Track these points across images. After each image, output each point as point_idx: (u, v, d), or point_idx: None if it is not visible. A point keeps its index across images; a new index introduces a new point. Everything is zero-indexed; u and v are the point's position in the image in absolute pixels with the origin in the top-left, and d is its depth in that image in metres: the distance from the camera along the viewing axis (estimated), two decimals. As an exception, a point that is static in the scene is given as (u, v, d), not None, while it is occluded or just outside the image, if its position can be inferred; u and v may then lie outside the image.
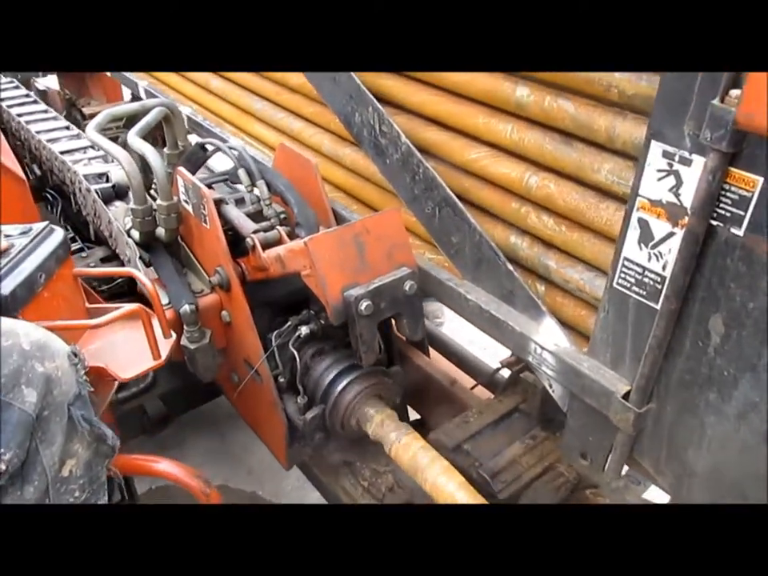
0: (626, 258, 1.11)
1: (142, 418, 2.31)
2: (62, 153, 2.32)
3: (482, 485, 1.52)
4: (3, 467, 0.96)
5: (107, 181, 2.15)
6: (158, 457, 1.47)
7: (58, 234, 1.34)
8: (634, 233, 1.08)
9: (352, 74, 1.58)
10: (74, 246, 2.29)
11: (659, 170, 1.01)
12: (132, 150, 1.74)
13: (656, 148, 1.00)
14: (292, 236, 1.65)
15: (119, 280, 2.05)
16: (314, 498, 2.16)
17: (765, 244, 0.91)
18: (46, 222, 1.34)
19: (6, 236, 1.28)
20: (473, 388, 2.00)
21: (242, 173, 1.73)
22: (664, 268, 1.06)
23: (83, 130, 2.06)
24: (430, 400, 2.03)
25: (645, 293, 1.10)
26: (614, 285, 1.15)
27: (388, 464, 1.76)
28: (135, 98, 3.09)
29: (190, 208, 1.69)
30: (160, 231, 1.76)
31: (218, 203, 1.65)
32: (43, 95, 3.77)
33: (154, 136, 2.34)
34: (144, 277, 1.40)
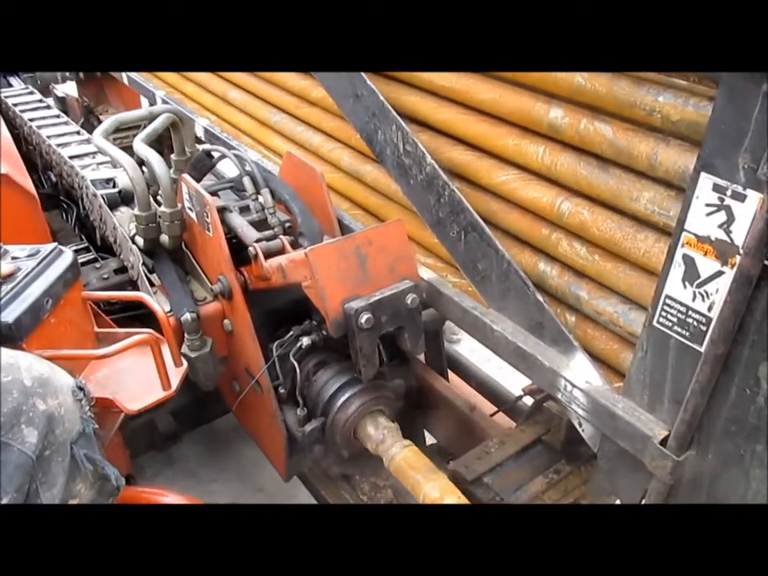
0: (667, 296, 1.04)
1: (152, 433, 2.28)
2: (71, 157, 2.32)
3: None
4: None
5: (114, 186, 2.13)
6: (165, 490, 1.41)
7: (67, 256, 1.29)
8: (677, 270, 1.01)
9: (375, 89, 1.52)
10: (88, 257, 2.26)
11: (708, 205, 0.93)
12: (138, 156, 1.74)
13: (705, 180, 0.93)
14: (295, 245, 1.61)
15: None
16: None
17: (827, 290, 0.83)
18: (54, 244, 1.29)
19: (13, 258, 1.23)
20: (493, 415, 1.93)
21: (246, 180, 1.70)
22: (710, 309, 0.98)
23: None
24: (449, 426, 1.96)
25: (688, 334, 1.03)
26: (654, 323, 1.07)
27: (388, 478, 1.74)
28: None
29: (193, 215, 1.67)
30: (164, 238, 1.75)
31: (222, 211, 1.64)
32: (62, 102, 3.77)
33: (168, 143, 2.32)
34: (155, 303, 1.35)
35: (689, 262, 0.99)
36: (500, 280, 1.36)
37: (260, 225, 1.66)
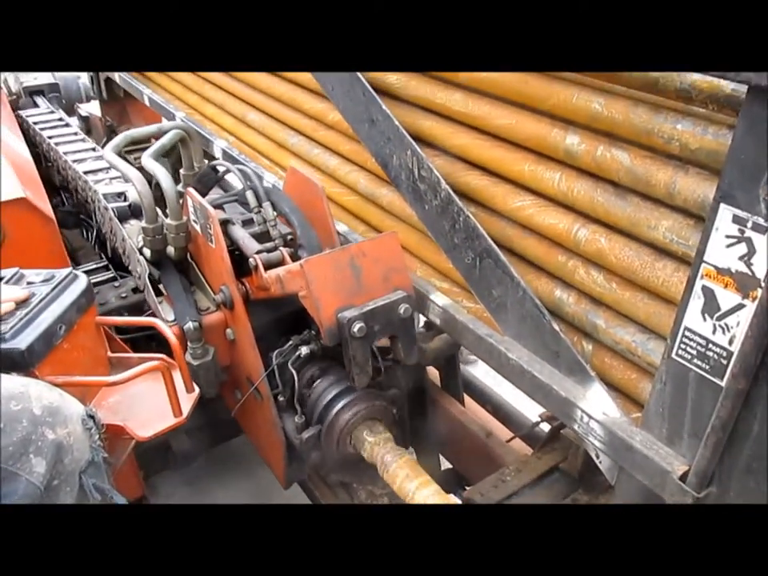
0: (687, 328, 1.01)
1: (167, 453, 2.27)
2: (85, 173, 2.39)
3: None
4: None
5: (125, 200, 2.19)
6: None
7: (82, 281, 1.29)
8: (697, 301, 0.98)
9: (390, 114, 1.51)
10: (107, 275, 2.28)
11: (728, 236, 0.91)
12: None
13: (725, 212, 0.90)
14: (295, 257, 1.65)
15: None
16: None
17: None
18: (69, 269, 1.29)
19: (29, 283, 1.24)
20: (509, 441, 1.90)
21: (249, 194, 1.74)
22: (731, 342, 0.95)
23: (119, 154, 2.08)
24: (465, 452, 1.94)
25: (708, 367, 1.00)
26: (673, 355, 1.04)
27: (385, 487, 1.72)
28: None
29: (198, 227, 1.71)
30: (170, 249, 1.80)
31: (224, 223, 1.69)
32: (85, 121, 3.85)
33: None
34: (168, 330, 1.35)
35: (708, 294, 0.96)
36: (515, 307, 1.34)
37: (262, 237, 1.70)
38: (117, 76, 3.44)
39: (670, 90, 1.02)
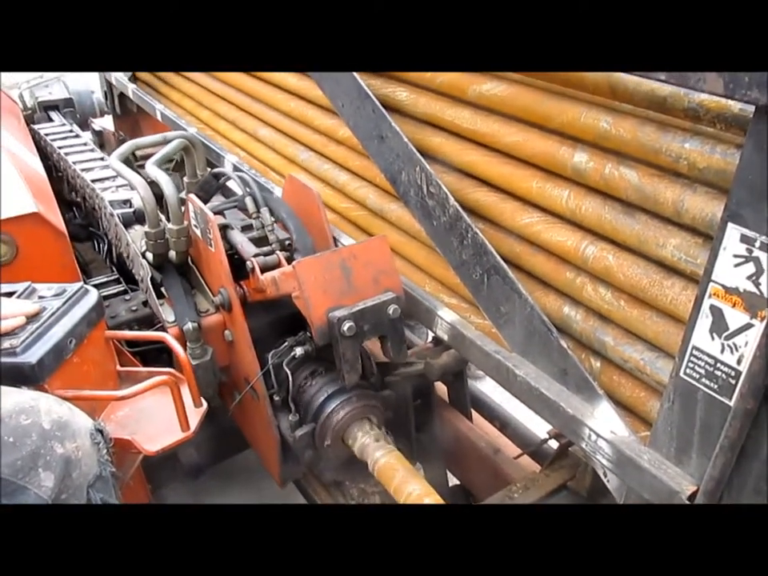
0: (695, 347, 1.01)
1: (175, 466, 2.27)
2: (93, 181, 2.46)
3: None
4: None
5: (130, 206, 2.24)
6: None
7: (92, 295, 1.31)
8: (705, 320, 0.98)
9: (399, 131, 1.52)
10: (118, 288, 2.30)
11: (736, 256, 0.91)
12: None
13: (733, 231, 0.90)
14: (291, 261, 1.68)
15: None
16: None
17: None
18: (81, 284, 1.31)
19: (40, 297, 1.25)
20: (517, 458, 1.89)
21: (248, 200, 1.80)
22: (739, 362, 0.95)
23: (132, 167, 2.13)
24: (472, 468, 1.93)
25: (716, 387, 0.99)
26: (681, 374, 1.04)
27: (376, 485, 1.77)
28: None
29: (198, 232, 1.77)
30: (172, 253, 1.86)
31: (223, 228, 1.75)
32: (99, 135, 3.89)
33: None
34: (177, 345, 1.36)
35: (716, 313, 0.96)
36: (522, 325, 1.34)
37: (259, 241, 1.77)
38: (130, 91, 3.48)
39: (678, 109, 1.03)
